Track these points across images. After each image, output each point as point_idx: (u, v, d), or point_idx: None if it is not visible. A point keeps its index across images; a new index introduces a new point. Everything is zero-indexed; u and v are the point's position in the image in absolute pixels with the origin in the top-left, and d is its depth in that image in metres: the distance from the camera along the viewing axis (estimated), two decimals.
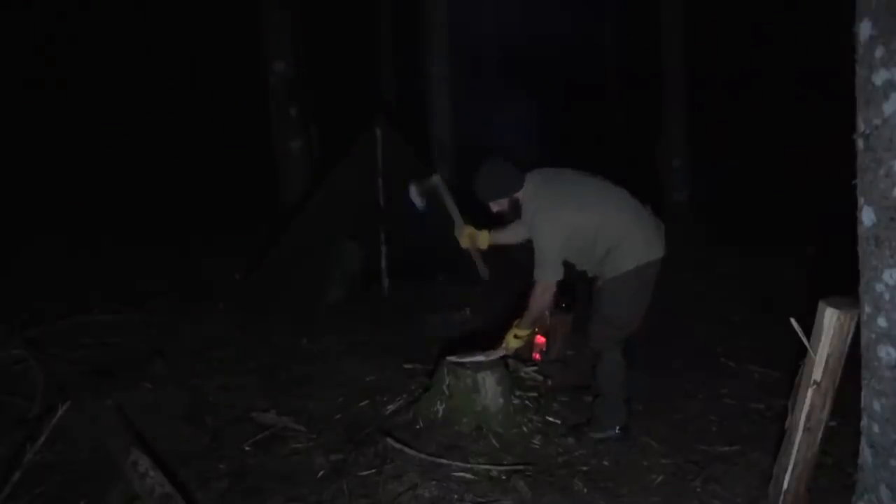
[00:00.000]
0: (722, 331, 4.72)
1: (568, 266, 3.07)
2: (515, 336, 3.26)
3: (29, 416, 3.31)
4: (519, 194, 3.08)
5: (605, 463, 3.01)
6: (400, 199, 5.38)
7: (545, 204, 2.98)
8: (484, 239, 3.46)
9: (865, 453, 1.99)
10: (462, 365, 3.29)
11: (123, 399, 3.41)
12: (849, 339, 2.16)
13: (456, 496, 2.69)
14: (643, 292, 3.06)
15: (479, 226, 3.49)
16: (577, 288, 4.01)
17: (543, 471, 2.91)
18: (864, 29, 1.78)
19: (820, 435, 2.31)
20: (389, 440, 3.08)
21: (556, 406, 3.53)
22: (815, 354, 2.19)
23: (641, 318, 3.10)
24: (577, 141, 11.38)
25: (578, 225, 2.97)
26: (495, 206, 3.15)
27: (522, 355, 3.88)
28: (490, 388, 3.24)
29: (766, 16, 11.97)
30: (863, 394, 1.97)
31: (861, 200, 1.86)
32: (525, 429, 3.26)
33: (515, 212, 3.12)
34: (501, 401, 3.26)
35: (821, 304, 2.17)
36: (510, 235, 3.40)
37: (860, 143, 1.83)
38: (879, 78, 1.74)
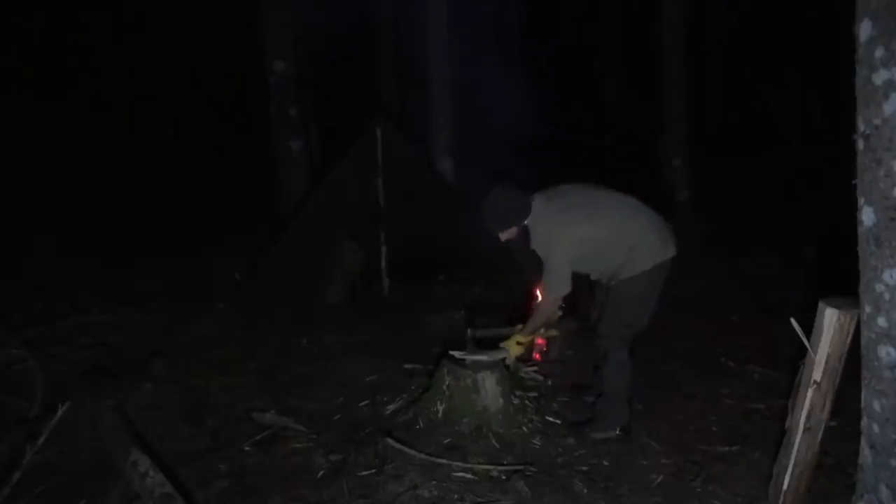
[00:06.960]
0: (722, 331, 4.71)
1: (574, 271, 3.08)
2: (518, 343, 3.29)
3: (29, 416, 3.31)
4: (528, 220, 3.09)
5: (605, 463, 3.01)
6: (400, 199, 5.43)
7: (553, 222, 3.03)
8: (518, 341, 3.35)
9: (865, 453, 1.99)
10: (462, 363, 3.29)
11: (123, 399, 3.41)
12: (849, 339, 2.16)
13: (456, 496, 2.69)
14: (654, 292, 3.11)
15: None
16: (577, 289, 4.00)
17: (543, 471, 2.91)
18: (864, 29, 1.78)
19: (820, 435, 2.31)
20: (389, 440, 3.07)
21: (556, 406, 3.52)
22: (815, 354, 2.19)
23: (650, 316, 3.14)
24: (577, 141, 11.39)
25: (588, 236, 3.01)
26: (504, 236, 3.15)
27: (522, 356, 3.88)
28: (490, 388, 3.24)
29: (766, 15, 11.98)
30: (863, 394, 1.97)
31: (861, 200, 1.86)
32: (525, 429, 3.26)
33: (524, 238, 3.13)
34: (501, 401, 3.26)
35: (821, 304, 2.17)
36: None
37: (860, 143, 1.83)
38: (879, 78, 1.74)
